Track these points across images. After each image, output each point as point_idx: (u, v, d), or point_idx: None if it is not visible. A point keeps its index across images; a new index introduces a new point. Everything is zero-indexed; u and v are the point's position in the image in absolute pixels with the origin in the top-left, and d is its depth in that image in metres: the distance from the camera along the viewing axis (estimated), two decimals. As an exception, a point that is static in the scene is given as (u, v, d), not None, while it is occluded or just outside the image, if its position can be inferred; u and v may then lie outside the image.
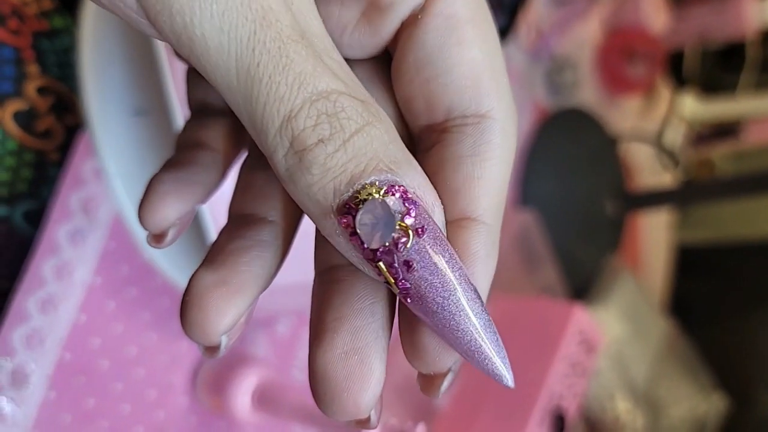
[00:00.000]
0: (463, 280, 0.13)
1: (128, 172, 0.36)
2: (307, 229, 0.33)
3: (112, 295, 0.37)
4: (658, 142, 0.80)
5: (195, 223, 0.39)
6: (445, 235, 0.14)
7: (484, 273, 0.15)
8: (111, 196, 0.36)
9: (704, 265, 0.93)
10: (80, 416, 0.36)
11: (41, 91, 0.39)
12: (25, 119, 0.38)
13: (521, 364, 0.50)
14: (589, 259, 0.71)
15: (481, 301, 0.14)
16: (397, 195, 0.13)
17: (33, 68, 0.39)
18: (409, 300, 0.13)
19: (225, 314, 0.15)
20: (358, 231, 0.13)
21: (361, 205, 0.13)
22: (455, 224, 0.15)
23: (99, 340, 0.37)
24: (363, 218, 0.13)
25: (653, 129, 0.85)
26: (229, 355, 0.41)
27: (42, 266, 0.35)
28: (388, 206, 0.13)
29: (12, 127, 0.38)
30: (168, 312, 0.40)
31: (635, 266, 0.83)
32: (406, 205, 0.13)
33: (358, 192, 0.13)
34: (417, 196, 0.14)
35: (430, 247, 0.13)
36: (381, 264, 0.13)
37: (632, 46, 0.80)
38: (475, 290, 0.14)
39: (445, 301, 0.13)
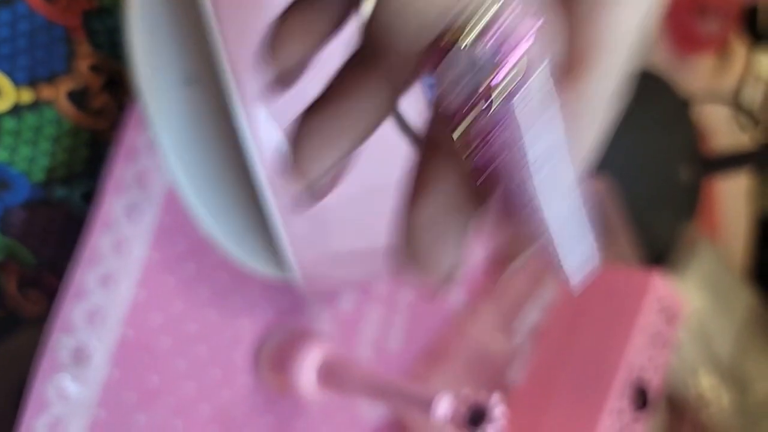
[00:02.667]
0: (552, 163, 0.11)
1: (181, 144, 0.35)
2: (372, 187, 0.31)
3: (171, 270, 0.36)
4: (735, 102, 0.75)
5: (252, 199, 0.38)
6: (549, 91, 0.11)
7: (586, 139, 0.12)
8: (164, 169, 0.35)
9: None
10: (145, 394, 0.35)
11: (94, 69, 0.39)
12: (79, 98, 0.38)
13: (599, 335, 0.47)
14: (664, 227, 0.67)
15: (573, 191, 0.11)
16: (491, 42, 0.10)
17: (84, 46, 0.39)
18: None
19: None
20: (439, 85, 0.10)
21: (449, 51, 0.10)
22: (567, 70, 0.12)
23: (160, 316, 0.36)
24: (444, 71, 0.10)
25: (728, 89, 0.80)
26: (291, 332, 0.40)
27: (100, 241, 0.34)
28: (473, 58, 0.10)
29: (67, 106, 0.38)
30: (227, 288, 0.39)
31: (714, 235, 0.79)
32: (499, 56, 0.10)
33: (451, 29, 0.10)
34: (516, 40, 0.11)
35: (519, 116, 0.11)
36: (456, 131, 0.11)
37: (703, 1, 0.74)
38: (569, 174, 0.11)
39: (519, 190, 0.11)
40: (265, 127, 0.29)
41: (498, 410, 0.27)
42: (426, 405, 0.29)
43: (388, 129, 0.30)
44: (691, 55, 0.76)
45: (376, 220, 0.32)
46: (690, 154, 0.71)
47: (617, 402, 0.44)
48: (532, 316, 0.51)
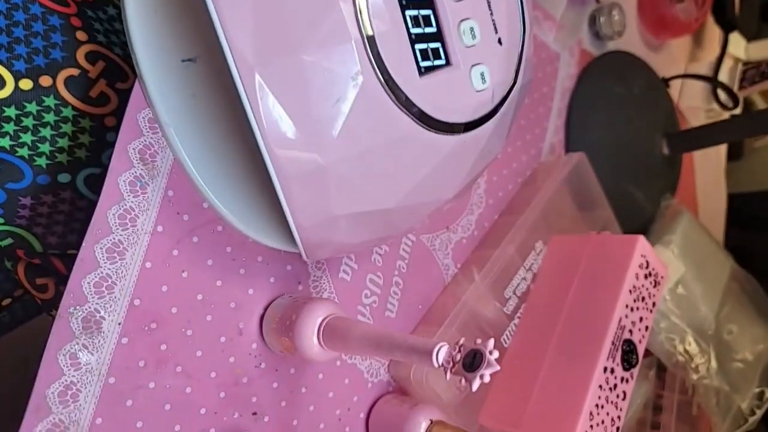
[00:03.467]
0: None
1: (182, 119, 0.36)
2: (370, 148, 0.32)
3: (176, 242, 0.38)
4: (715, 80, 0.77)
5: (254, 170, 0.39)
6: None
7: None
8: (167, 144, 0.36)
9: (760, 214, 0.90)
10: (154, 361, 0.37)
11: (90, 56, 0.39)
12: (78, 85, 0.39)
13: (587, 298, 0.49)
14: (646, 200, 0.69)
15: None
16: None
17: (81, 34, 0.40)
18: None
19: None
20: None
21: None
22: None
23: (166, 286, 0.37)
24: None
25: (703, 71, 0.82)
26: (294, 299, 0.41)
27: (106, 215, 0.35)
28: None
29: (66, 93, 0.38)
30: (231, 258, 0.40)
31: (693, 210, 0.81)
32: None
33: None
34: None
35: None
36: None
37: (676, -18, 0.77)
38: None
39: None
40: (264, 96, 0.30)
41: (494, 355, 0.29)
42: (426, 354, 0.31)
43: (380, 91, 0.32)
44: (667, 37, 0.79)
45: (374, 182, 0.34)
46: (669, 128, 0.73)
47: (608, 361, 0.45)
48: (522, 283, 0.53)
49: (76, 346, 0.34)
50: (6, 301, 0.48)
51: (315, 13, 0.30)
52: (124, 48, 0.43)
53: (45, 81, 0.38)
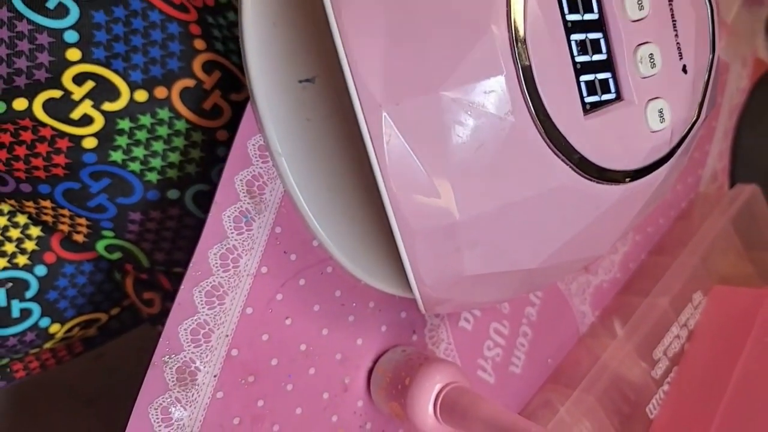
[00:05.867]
0: None
1: (295, 149, 0.32)
2: (507, 205, 0.26)
3: (280, 285, 0.34)
4: None
5: (372, 210, 0.34)
6: None
7: None
8: (277, 176, 0.32)
9: None
10: (249, 419, 0.33)
11: (207, 66, 0.37)
12: (192, 97, 0.36)
13: (756, 367, 0.40)
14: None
15: None
16: None
17: (199, 43, 0.37)
18: None
19: None
20: None
21: None
22: None
23: (267, 335, 0.33)
24: None
25: None
26: (408, 354, 0.36)
27: (207, 255, 0.32)
28: None
29: (180, 106, 0.36)
30: (339, 304, 0.36)
31: None
32: None
33: None
34: None
35: None
36: None
37: None
38: None
39: None
40: (389, 133, 0.25)
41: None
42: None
43: (534, 134, 0.26)
44: None
45: (516, 240, 0.28)
46: None
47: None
48: (674, 342, 0.45)
49: (169, 400, 0.31)
50: (115, 310, 0.48)
51: (460, 38, 0.24)
52: (241, 55, 0.40)
53: (160, 92, 0.35)
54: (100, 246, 0.40)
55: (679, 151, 0.30)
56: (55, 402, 0.69)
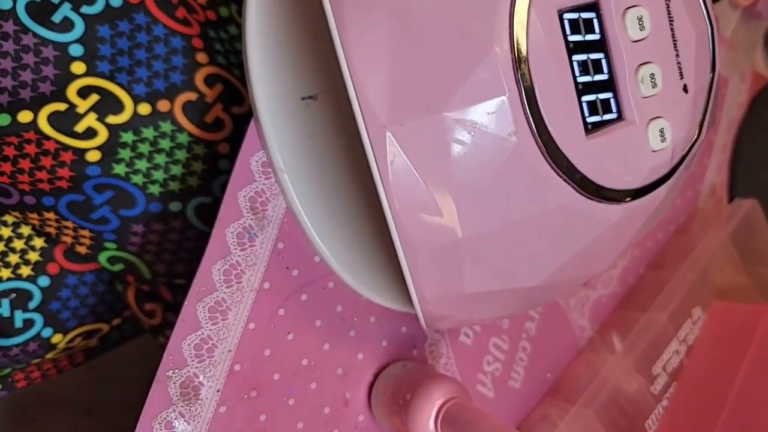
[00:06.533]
0: None
1: (298, 166, 0.32)
2: (511, 223, 0.27)
3: (282, 300, 0.34)
4: None
5: (374, 226, 0.34)
6: None
7: None
8: (280, 193, 0.33)
9: None
10: (252, 434, 0.33)
11: (209, 80, 0.37)
12: (194, 110, 0.37)
13: (764, 387, 0.40)
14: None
15: None
16: None
17: (201, 56, 0.37)
18: None
19: None
20: None
21: None
22: None
23: (269, 350, 0.33)
24: None
25: None
26: (408, 369, 0.36)
27: (211, 270, 0.32)
28: None
29: (183, 119, 0.36)
30: (340, 319, 0.36)
31: None
32: None
33: None
34: None
35: None
36: None
37: None
38: None
39: None
40: (393, 152, 0.25)
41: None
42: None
43: (536, 155, 0.26)
44: None
45: (518, 259, 0.28)
46: None
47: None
48: (673, 357, 0.45)
49: (173, 414, 0.31)
50: (116, 321, 0.48)
51: (463, 60, 0.24)
52: (243, 69, 0.40)
53: (163, 106, 0.36)
54: (103, 258, 0.40)
55: (680, 169, 0.31)
56: (55, 412, 0.69)
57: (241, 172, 0.33)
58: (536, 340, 0.43)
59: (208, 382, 0.32)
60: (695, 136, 0.31)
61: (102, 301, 0.44)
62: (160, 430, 0.31)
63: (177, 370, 0.31)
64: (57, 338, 0.42)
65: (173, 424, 0.31)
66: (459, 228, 0.26)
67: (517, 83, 0.24)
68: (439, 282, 0.28)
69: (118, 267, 0.41)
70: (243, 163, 0.33)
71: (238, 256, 0.33)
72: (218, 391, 0.32)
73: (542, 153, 0.25)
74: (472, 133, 0.24)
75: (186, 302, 0.31)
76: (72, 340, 0.44)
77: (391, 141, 0.24)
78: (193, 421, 0.32)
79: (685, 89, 0.29)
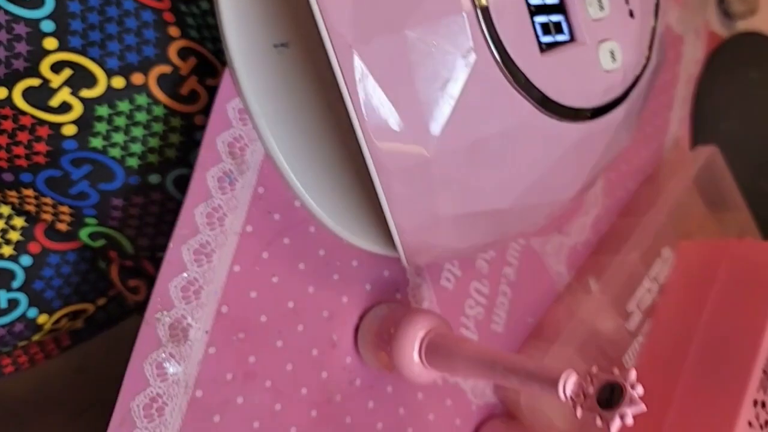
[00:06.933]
0: None
1: (273, 111, 0.34)
2: (476, 141, 0.28)
3: (266, 244, 0.35)
4: None
5: (351, 167, 0.36)
6: None
7: None
8: (258, 138, 0.34)
9: None
10: (242, 374, 0.34)
11: (182, 53, 0.38)
12: (169, 83, 0.37)
13: (728, 315, 0.42)
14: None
15: None
16: None
17: (174, 30, 0.38)
18: None
19: None
20: None
21: None
22: None
23: (255, 292, 0.34)
24: None
25: None
26: (391, 309, 0.37)
27: (193, 213, 0.33)
28: None
29: (158, 91, 0.37)
30: (324, 263, 0.37)
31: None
32: None
33: None
34: None
35: None
36: None
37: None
38: None
39: None
40: (360, 71, 0.26)
41: (637, 390, 0.24)
42: (550, 383, 0.26)
43: (495, 71, 0.27)
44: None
45: (485, 178, 0.30)
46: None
47: (758, 393, 0.39)
48: (646, 295, 0.47)
49: (163, 355, 0.32)
50: (101, 301, 0.48)
51: (421, -19, 0.26)
52: (216, 43, 0.41)
53: (137, 79, 0.36)
54: (84, 234, 0.40)
55: (634, 93, 0.32)
56: (45, 415, 0.68)
57: (219, 117, 0.34)
58: (516, 285, 0.45)
59: (196, 323, 0.33)
60: (645, 61, 0.32)
61: (85, 280, 0.44)
62: (152, 371, 0.32)
63: (165, 312, 0.32)
64: (43, 318, 0.42)
65: (164, 365, 0.32)
66: (428, 146, 0.27)
67: (473, 2, 0.26)
68: (413, 204, 0.29)
69: (100, 243, 0.41)
70: (219, 109, 0.34)
71: (220, 199, 0.34)
72: (207, 332, 0.33)
73: (500, 69, 0.27)
74: (433, 50, 0.26)
75: (170, 244, 0.32)
76: (58, 320, 0.44)
77: (358, 60, 0.26)
78: (184, 362, 0.32)
79: (632, 14, 0.31)
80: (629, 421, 0.22)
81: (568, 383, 0.25)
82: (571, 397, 0.24)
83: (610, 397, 0.23)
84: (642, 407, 0.22)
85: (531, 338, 0.45)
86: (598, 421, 0.23)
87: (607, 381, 0.24)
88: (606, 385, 0.23)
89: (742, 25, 0.63)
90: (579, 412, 0.24)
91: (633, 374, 0.24)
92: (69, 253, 0.43)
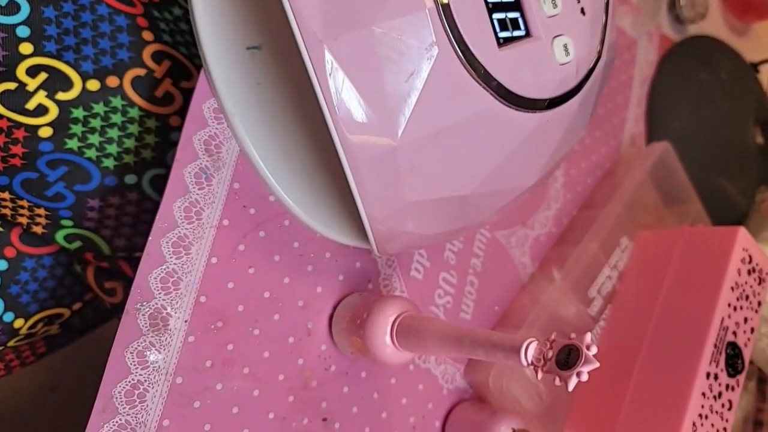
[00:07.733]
0: None
1: (247, 109, 0.35)
2: (441, 129, 0.30)
3: (241, 237, 0.36)
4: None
5: (323, 162, 0.37)
6: None
7: None
8: (232, 135, 0.35)
9: None
10: (221, 362, 0.35)
11: (156, 56, 0.39)
12: (144, 85, 0.38)
13: (682, 297, 0.44)
14: (738, 193, 0.63)
15: None
16: None
17: (147, 34, 0.39)
18: None
19: None
20: None
21: None
22: None
23: (232, 283, 0.36)
24: None
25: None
26: (364, 297, 0.39)
27: (172, 208, 0.34)
28: None
29: (133, 94, 0.38)
30: (298, 254, 0.38)
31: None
32: None
33: None
34: None
35: None
36: None
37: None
38: None
39: None
40: (330, 65, 0.28)
41: (591, 350, 0.26)
42: (513, 351, 0.28)
43: (456, 63, 0.29)
44: (752, 20, 0.73)
45: (449, 165, 0.31)
46: (762, 116, 0.67)
47: (711, 366, 0.41)
48: (606, 282, 0.49)
49: (144, 344, 0.33)
50: (77, 306, 0.48)
51: (386, -20, 0.28)
52: (189, 47, 0.42)
53: (112, 82, 0.37)
54: (60, 236, 0.41)
55: (587, 85, 0.35)
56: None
57: (195, 117, 0.35)
58: (483, 276, 0.47)
59: (175, 313, 0.34)
60: (596, 55, 0.35)
61: (61, 284, 0.45)
62: (133, 360, 0.33)
63: (145, 303, 0.33)
64: (19, 323, 0.42)
65: (145, 353, 0.33)
66: (394, 135, 0.29)
67: (434, 0, 0.28)
68: (382, 193, 0.31)
69: (76, 244, 0.42)
70: (196, 109, 0.35)
71: (197, 194, 0.35)
72: (186, 321, 0.34)
73: (461, 62, 0.29)
74: (399, 44, 0.28)
75: (150, 237, 0.33)
76: (34, 325, 0.44)
77: (329, 55, 0.27)
78: (164, 350, 0.33)
79: (583, 12, 0.33)
80: (584, 377, 0.24)
81: (530, 349, 0.27)
82: (532, 362, 0.26)
83: (567, 358, 0.25)
84: (596, 364, 0.24)
85: (498, 325, 0.47)
86: (557, 381, 0.25)
87: (565, 345, 0.26)
88: (563, 348, 0.25)
89: (693, 29, 0.67)
90: (539, 375, 0.26)
91: (588, 337, 0.26)
92: (45, 257, 0.43)
